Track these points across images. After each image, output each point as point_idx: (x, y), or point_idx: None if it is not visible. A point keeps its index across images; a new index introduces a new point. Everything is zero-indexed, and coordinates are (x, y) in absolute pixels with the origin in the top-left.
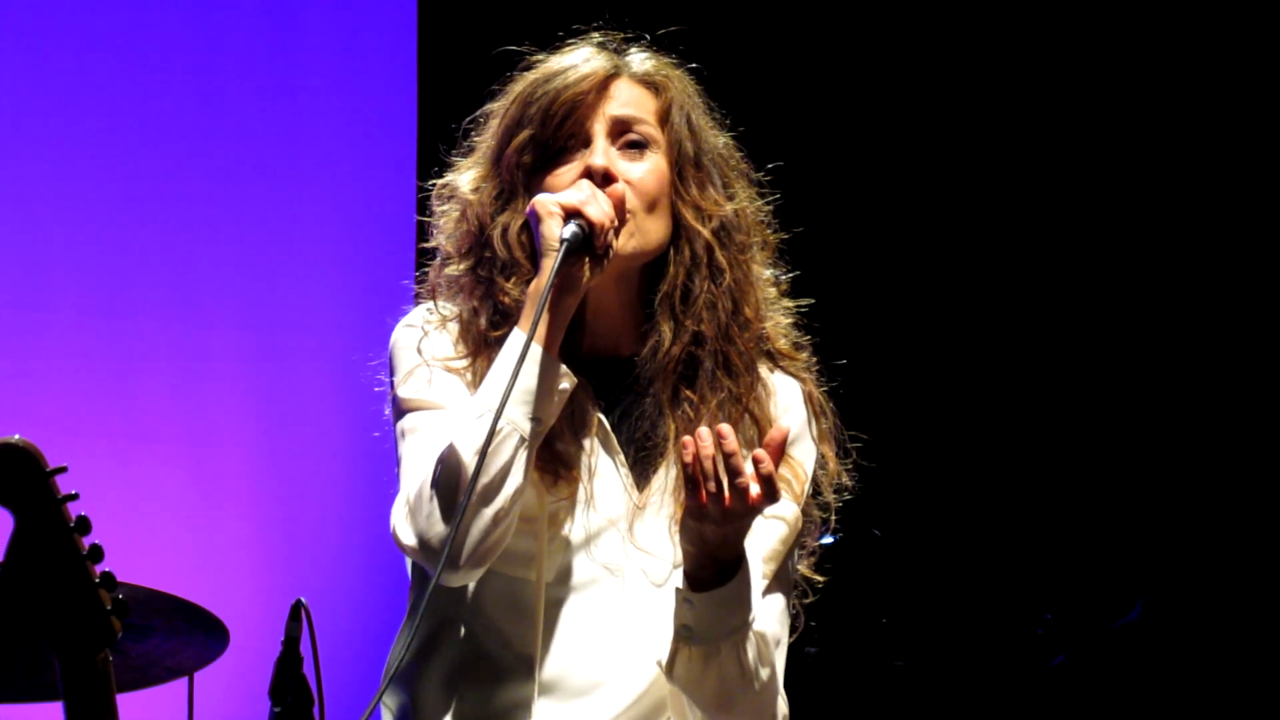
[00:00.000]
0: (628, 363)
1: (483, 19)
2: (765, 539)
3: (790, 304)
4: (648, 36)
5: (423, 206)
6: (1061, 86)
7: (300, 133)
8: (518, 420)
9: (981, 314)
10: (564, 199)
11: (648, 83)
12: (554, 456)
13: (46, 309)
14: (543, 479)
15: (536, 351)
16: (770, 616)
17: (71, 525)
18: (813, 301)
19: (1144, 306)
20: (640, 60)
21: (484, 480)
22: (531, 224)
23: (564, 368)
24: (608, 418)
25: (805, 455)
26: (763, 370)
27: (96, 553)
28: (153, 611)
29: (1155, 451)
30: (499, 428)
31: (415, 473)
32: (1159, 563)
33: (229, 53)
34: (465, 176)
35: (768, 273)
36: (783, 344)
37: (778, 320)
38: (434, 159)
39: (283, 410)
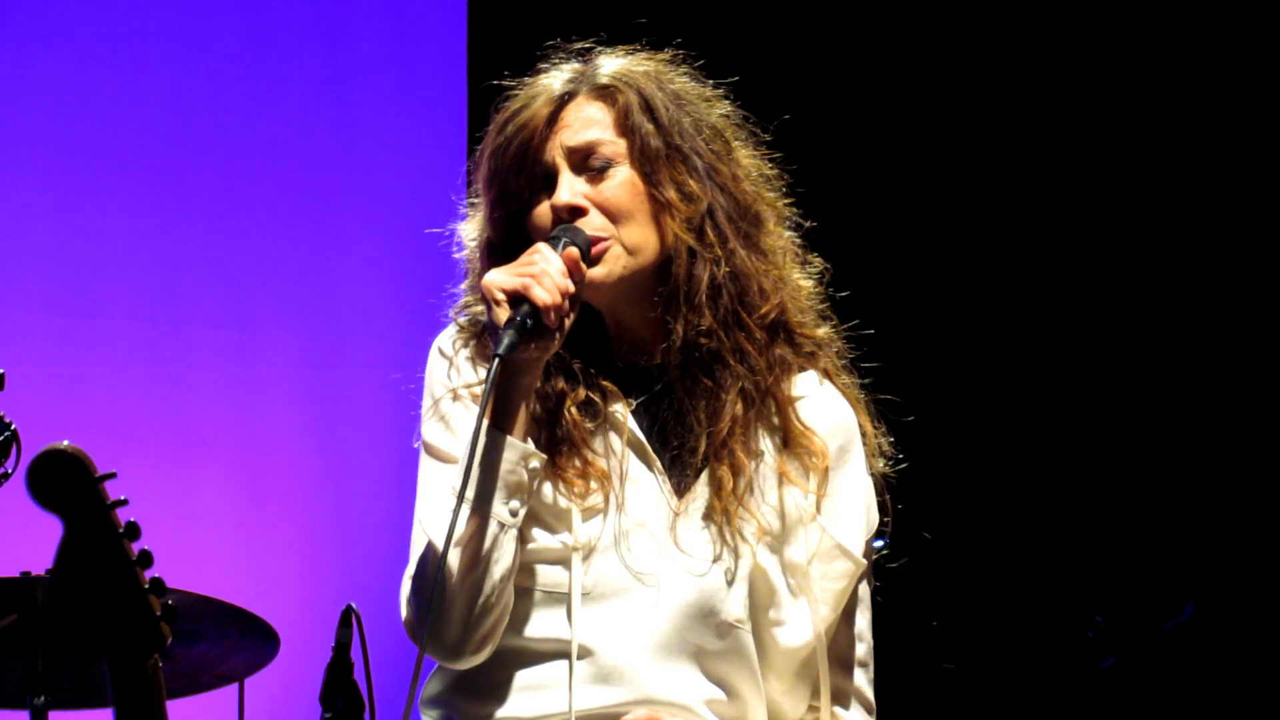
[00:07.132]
0: (659, 369)
1: (533, 20)
2: (836, 602)
3: (813, 262)
4: (605, 35)
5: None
6: (1069, 87)
7: (349, 138)
8: (494, 507)
9: (1033, 314)
10: (506, 283)
11: (602, 93)
12: (585, 464)
13: (96, 315)
14: (574, 486)
15: (497, 439)
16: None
17: (121, 531)
18: (849, 294)
19: (1199, 306)
20: (602, 70)
21: (469, 576)
22: (485, 305)
23: (529, 447)
24: (640, 425)
25: (856, 485)
26: (812, 378)
27: (146, 558)
28: (202, 617)
29: (1205, 452)
30: (468, 519)
31: (418, 547)
32: (1209, 563)
33: (278, 63)
34: (467, 226)
35: (786, 235)
36: (801, 319)
37: (796, 292)
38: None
39: (333, 415)
